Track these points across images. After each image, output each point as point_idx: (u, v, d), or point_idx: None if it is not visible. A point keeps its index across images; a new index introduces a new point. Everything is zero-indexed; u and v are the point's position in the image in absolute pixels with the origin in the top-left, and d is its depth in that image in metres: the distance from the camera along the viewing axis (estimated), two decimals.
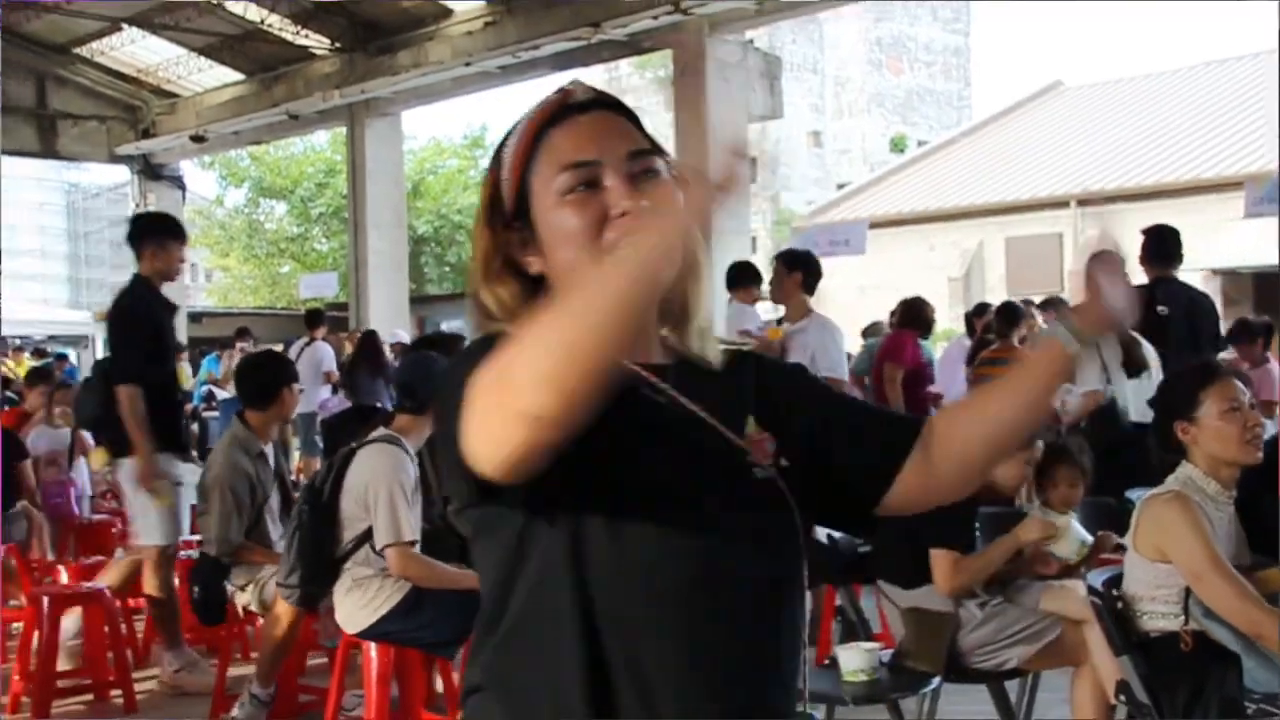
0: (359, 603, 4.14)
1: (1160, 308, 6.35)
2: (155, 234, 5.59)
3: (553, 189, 1.37)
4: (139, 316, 5.45)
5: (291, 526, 4.40)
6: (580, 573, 1.30)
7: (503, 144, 1.42)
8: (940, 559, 3.74)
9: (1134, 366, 5.90)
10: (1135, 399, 5.93)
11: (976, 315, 9.99)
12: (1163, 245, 6.39)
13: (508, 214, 1.40)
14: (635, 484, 1.31)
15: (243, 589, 4.78)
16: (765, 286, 7.03)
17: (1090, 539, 4.12)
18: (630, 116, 1.42)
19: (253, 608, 4.81)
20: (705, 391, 1.41)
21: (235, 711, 4.53)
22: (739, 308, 7.08)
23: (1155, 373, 5.73)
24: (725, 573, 1.33)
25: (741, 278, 7.20)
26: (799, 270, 6.41)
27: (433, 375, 4.31)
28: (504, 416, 1.15)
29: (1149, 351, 5.77)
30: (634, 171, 1.36)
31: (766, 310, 7.71)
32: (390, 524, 4.06)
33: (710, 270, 1.46)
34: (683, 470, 1.35)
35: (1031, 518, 3.92)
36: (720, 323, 7.33)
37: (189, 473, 5.53)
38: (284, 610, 4.45)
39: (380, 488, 4.08)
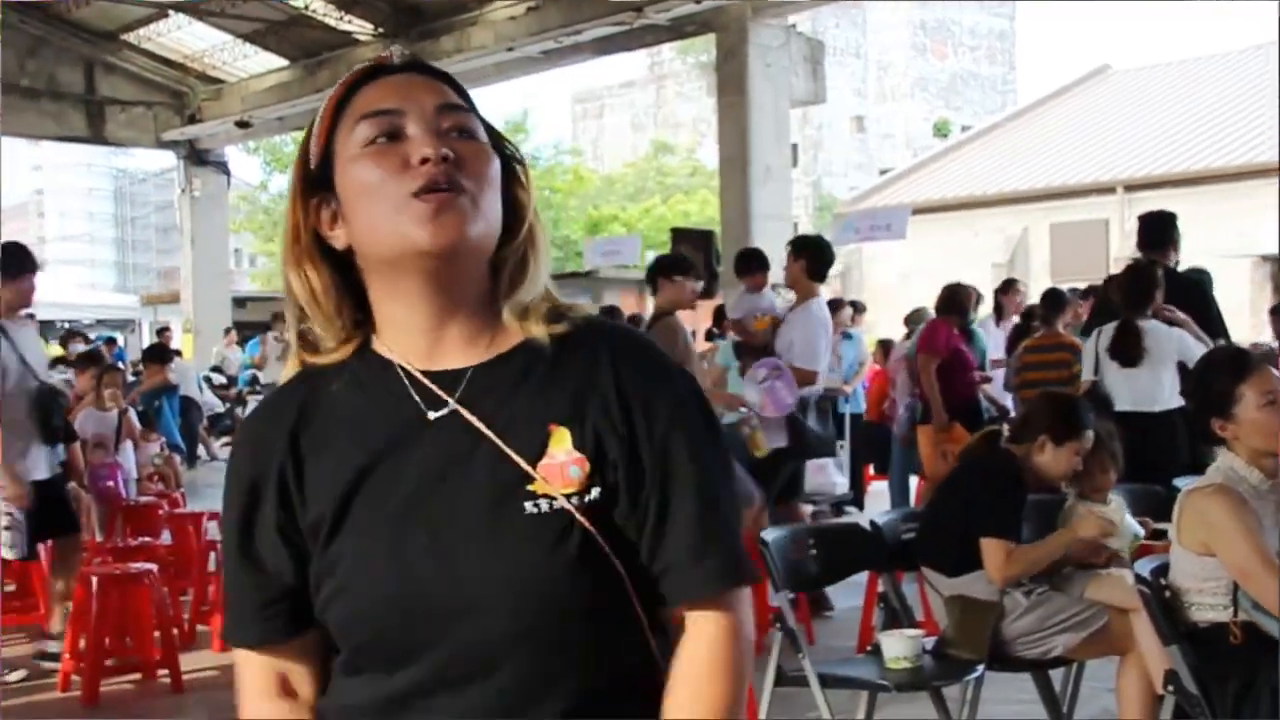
0: None
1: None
2: None
3: (352, 143, 1.23)
4: None
5: None
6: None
7: (314, 117, 1.30)
8: (993, 549, 3.72)
9: (1127, 356, 5.87)
10: (1125, 388, 5.91)
11: (1003, 292, 9.93)
12: (1153, 232, 6.35)
13: (313, 182, 1.26)
14: (351, 536, 1.22)
15: None
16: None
17: (1142, 532, 4.09)
18: (450, 82, 1.29)
19: None
20: (511, 397, 1.24)
21: None
22: (743, 294, 7.15)
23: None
24: (448, 633, 1.18)
25: (749, 264, 7.23)
26: (803, 257, 6.42)
27: None
28: None
29: (1186, 343, 5.70)
30: (442, 127, 1.23)
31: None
32: None
33: (548, 247, 1.31)
34: (401, 515, 1.21)
35: (1090, 514, 3.89)
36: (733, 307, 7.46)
37: None
38: None
39: None
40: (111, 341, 17.08)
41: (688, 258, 7.03)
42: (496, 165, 1.27)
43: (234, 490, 1.30)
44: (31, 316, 5.50)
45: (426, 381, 1.25)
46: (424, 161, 1.20)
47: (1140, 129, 23.32)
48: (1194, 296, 6.24)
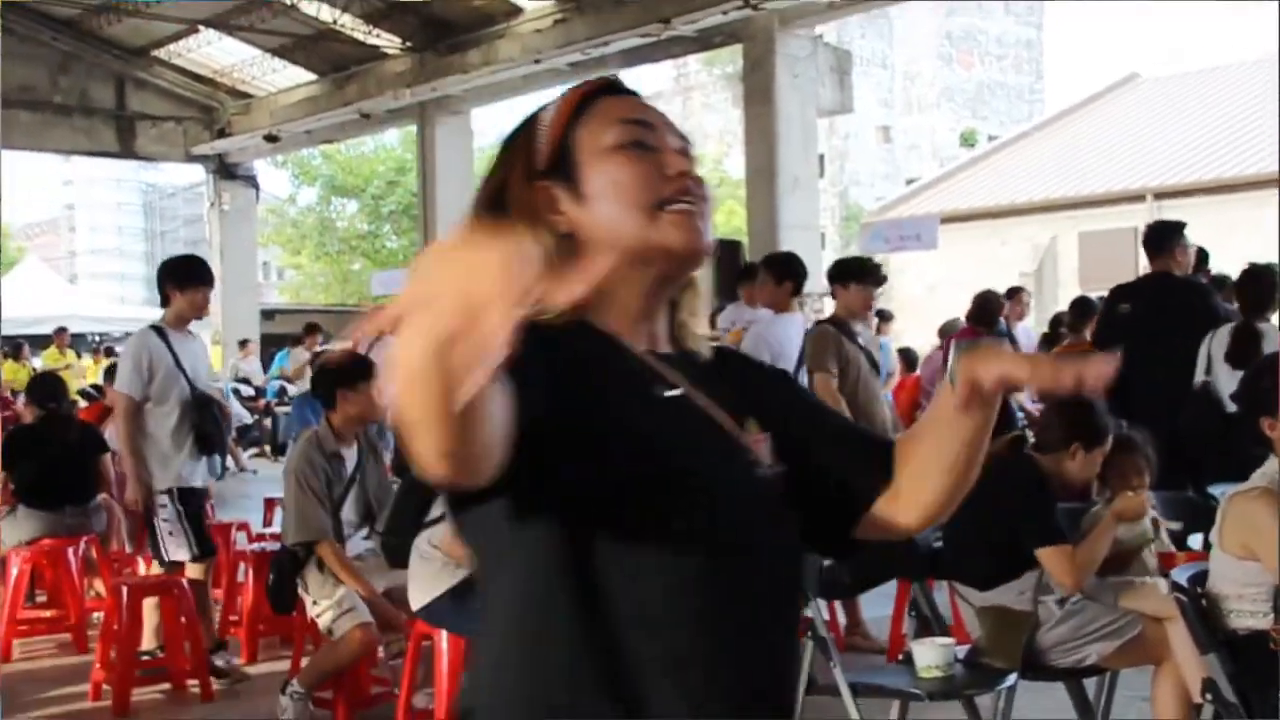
0: (422, 575, 4.20)
1: (1123, 305, 6.26)
2: None
3: (604, 140, 1.34)
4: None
5: (400, 487, 4.59)
6: (584, 574, 1.23)
7: (530, 117, 1.40)
8: (1057, 556, 3.67)
9: (1243, 359, 5.73)
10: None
11: (1008, 298, 9.93)
12: (1152, 240, 6.30)
13: (541, 168, 1.35)
14: (644, 477, 1.25)
15: (315, 603, 4.68)
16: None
17: (1151, 533, 4.03)
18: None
19: (321, 628, 4.74)
20: (709, 386, 1.37)
21: (284, 711, 4.58)
22: (735, 307, 7.30)
23: None
24: (740, 570, 1.29)
25: (744, 277, 7.51)
26: (770, 273, 6.54)
27: None
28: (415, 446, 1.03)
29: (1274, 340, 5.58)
30: (679, 146, 1.38)
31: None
32: None
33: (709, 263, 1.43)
34: (695, 464, 1.30)
35: (1122, 495, 3.85)
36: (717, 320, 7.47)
37: None
38: (357, 638, 4.48)
39: None
40: None
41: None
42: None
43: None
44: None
45: (652, 362, 1.36)
46: (679, 174, 1.34)
47: (1169, 137, 23.18)
48: (1196, 299, 6.17)
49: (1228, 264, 9.38)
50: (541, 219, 1.33)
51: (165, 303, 5.51)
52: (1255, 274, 5.98)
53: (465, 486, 1.11)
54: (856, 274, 5.95)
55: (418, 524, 4.27)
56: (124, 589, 5.27)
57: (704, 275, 1.42)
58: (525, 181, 1.35)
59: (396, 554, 4.39)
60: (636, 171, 1.33)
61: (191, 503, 5.50)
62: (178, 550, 5.43)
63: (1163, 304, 5.96)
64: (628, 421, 1.27)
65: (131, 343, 5.60)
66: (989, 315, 7.74)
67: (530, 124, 1.39)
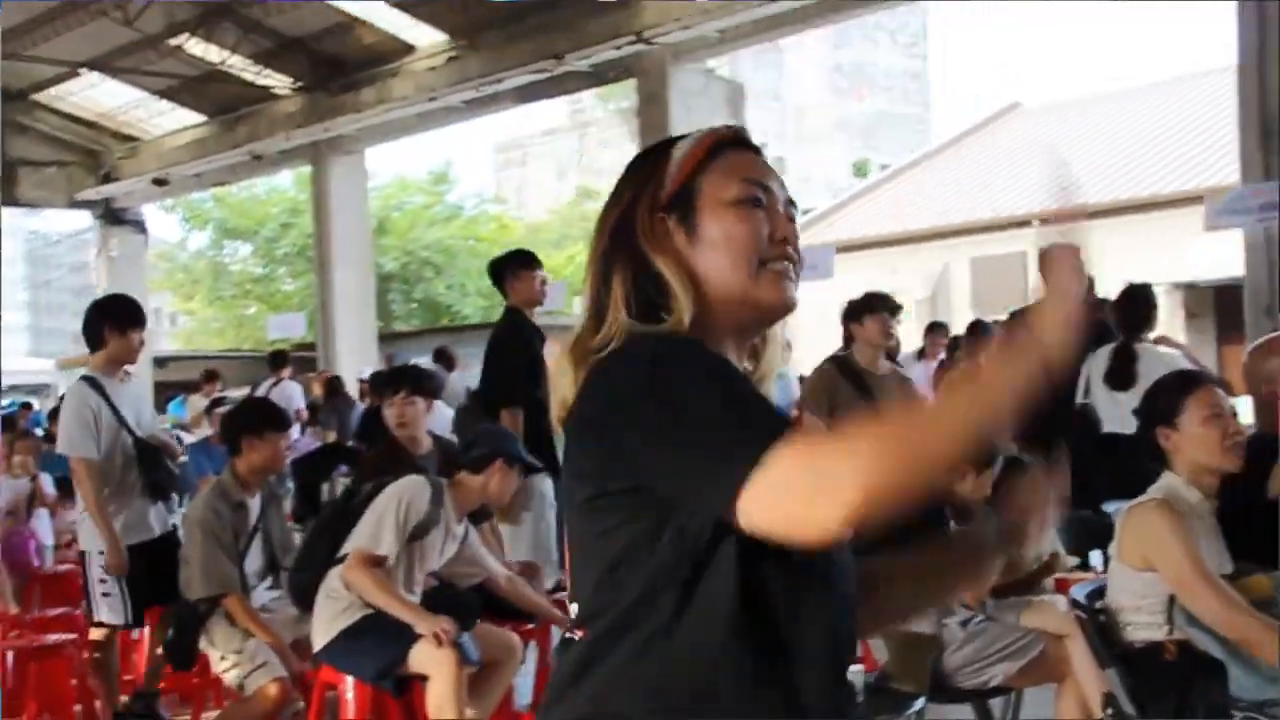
0: (325, 615, 4.15)
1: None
2: (520, 264, 6.06)
3: (727, 193, 1.48)
4: (516, 344, 5.82)
5: (313, 524, 4.56)
6: (752, 603, 1.36)
7: (657, 149, 1.55)
8: None
9: (1121, 380, 5.87)
10: (1115, 411, 5.92)
11: (930, 332, 10.31)
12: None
13: (663, 203, 1.49)
14: None
15: (223, 658, 4.55)
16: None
17: (1046, 554, 4.11)
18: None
19: (230, 684, 4.61)
20: None
21: None
22: None
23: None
24: (846, 597, 1.46)
25: None
26: None
27: (495, 442, 4.42)
28: (810, 500, 1.24)
29: (1156, 362, 5.71)
30: (787, 211, 1.53)
31: None
32: (371, 531, 4.09)
33: None
34: None
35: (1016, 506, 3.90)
36: None
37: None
38: (272, 694, 4.37)
39: (381, 501, 4.15)
40: (28, 406, 16.67)
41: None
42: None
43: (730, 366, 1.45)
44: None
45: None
46: (783, 240, 1.50)
47: (1052, 163, 23.85)
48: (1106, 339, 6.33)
49: (1111, 286, 9.65)
50: (655, 248, 1.47)
51: (98, 346, 5.20)
52: (1132, 294, 6.10)
53: (802, 542, 1.28)
54: (870, 306, 5.90)
55: (329, 561, 4.20)
56: (9, 652, 5.07)
57: (780, 330, 1.58)
58: (649, 212, 1.49)
59: (305, 593, 4.29)
60: (749, 229, 1.47)
61: (154, 552, 5.18)
62: (110, 613, 5.14)
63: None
64: None
65: (70, 402, 5.24)
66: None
67: (661, 159, 1.52)
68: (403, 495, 4.14)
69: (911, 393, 5.56)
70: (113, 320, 5.22)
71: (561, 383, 1.47)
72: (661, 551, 1.35)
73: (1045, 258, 1.41)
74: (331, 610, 4.14)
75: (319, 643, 4.17)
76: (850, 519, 1.23)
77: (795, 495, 1.24)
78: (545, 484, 5.63)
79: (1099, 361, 5.95)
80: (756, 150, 1.56)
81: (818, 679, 1.39)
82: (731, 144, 1.54)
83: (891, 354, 6.80)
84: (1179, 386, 3.15)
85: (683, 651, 1.36)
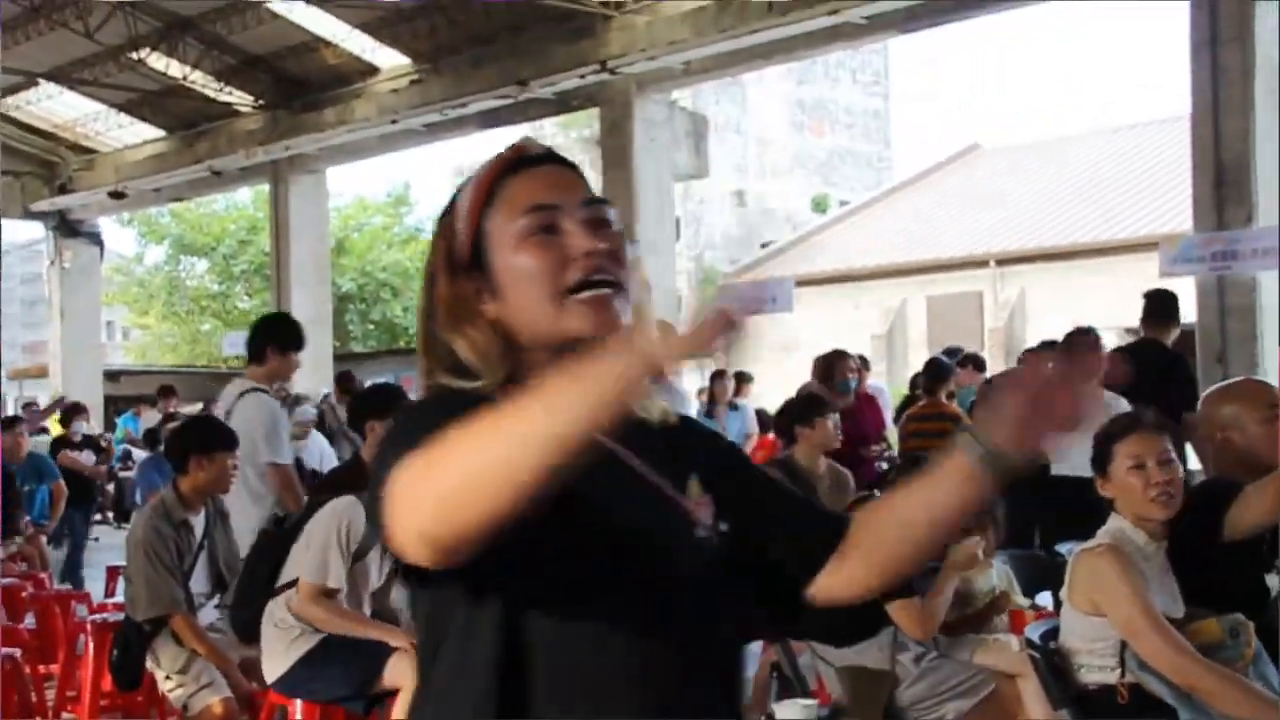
0: (276, 646, 4.08)
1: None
2: None
3: (511, 232, 1.35)
4: None
5: (248, 553, 4.46)
6: (513, 647, 1.26)
7: (456, 195, 1.41)
8: (905, 609, 3.75)
9: None
10: (1062, 451, 6.05)
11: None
12: (1158, 307, 6.61)
13: (463, 261, 1.38)
14: (578, 549, 1.27)
15: (168, 677, 4.47)
16: None
17: (996, 589, 4.13)
18: (578, 172, 1.44)
19: (176, 703, 4.51)
20: (648, 447, 1.38)
21: None
22: None
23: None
24: (674, 639, 1.31)
25: None
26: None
27: None
28: (407, 523, 1.13)
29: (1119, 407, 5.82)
30: (589, 218, 1.37)
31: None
32: (317, 564, 4.02)
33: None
34: (628, 531, 1.31)
35: (957, 545, 3.94)
36: None
37: None
38: (218, 714, 4.29)
39: (317, 530, 4.05)
40: None
41: None
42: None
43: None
44: None
45: None
46: (585, 255, 1.34)
47: (1010, 205, 24.13)
48: (1178, 371, 6.47)
49: (1062, 327, 9.76)
50: (470, 312, 1.37)
51: (260, 360, 5.32)
52: (1070, 340, 6.26)
53: (435, 562, 1.15)
54: (818, 409, 5.61)
55: (268, 592, 4.14)
56: None
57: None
58: (448, 279, 1.38)
59: (248, 628, 4.23)
60: (540, 263, 1.33)
61: None
62: None
63: (1147, 370, 6.16)
64: (566, 491, 1.26)
65: (263, 411, 5.22)
66: (831, 375, 7.69)
67: (450, 212, 1.40)
68: (340, 519, 4.05)
69: (849, 490, 5.56)
70: (278, 340, 5.38)
71: None
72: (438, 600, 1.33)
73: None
74: (283, 641, 4.06)
75: (274, 674, 4.08)
76: (412, 542, 1.12)
77: (402, 510, 1.14)
78: None
79: None
80: (552, 160, 1.41)
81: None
82: (515, 168, 1.39)
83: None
84: (1107, 435, 3.17)
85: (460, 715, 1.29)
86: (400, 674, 3.91)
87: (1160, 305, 6.73)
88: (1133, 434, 3.12)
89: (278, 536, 4.33)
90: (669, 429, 1.45)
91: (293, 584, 4.09)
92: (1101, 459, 3.14)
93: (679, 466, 1.41)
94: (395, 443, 1.23)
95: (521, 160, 1.40)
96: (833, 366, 7.38)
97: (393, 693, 3.96)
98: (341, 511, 4.08)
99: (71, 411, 11.81)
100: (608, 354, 1.13)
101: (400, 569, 1.26)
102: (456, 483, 1.09)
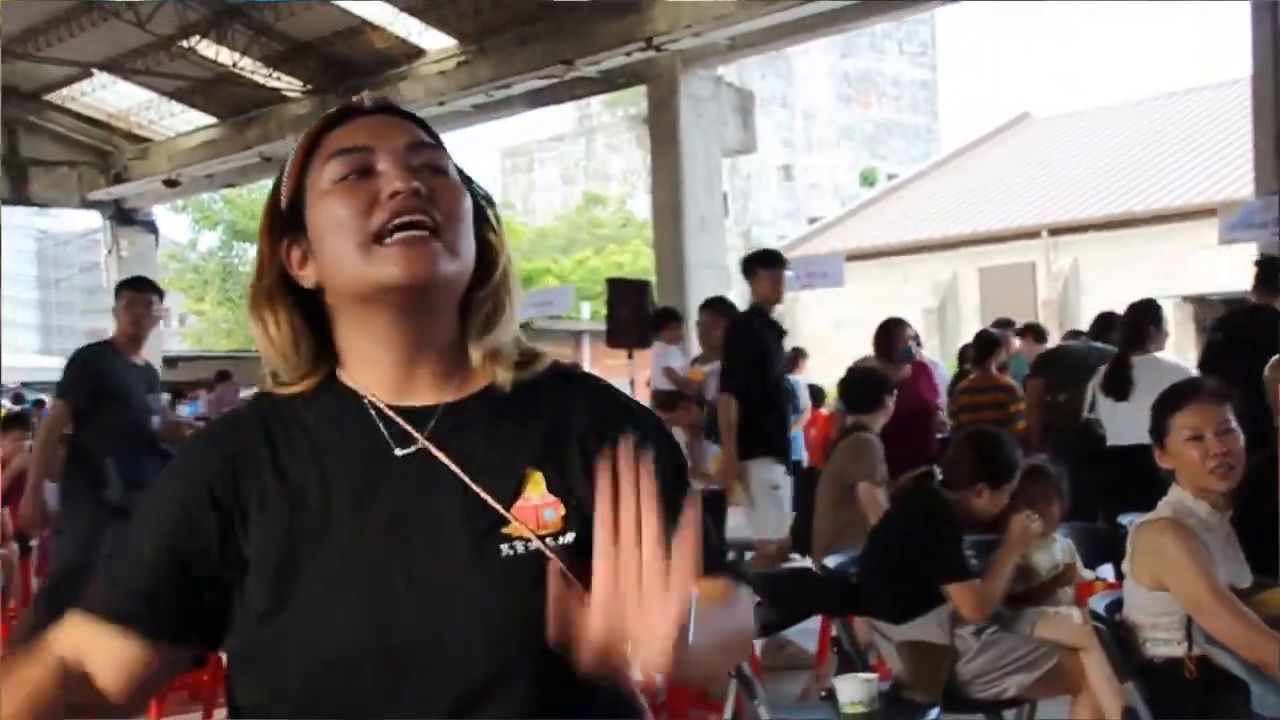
0: None
1: (1217, 334, 6.59)
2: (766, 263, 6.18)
3: (322, 180, 1.23)
4: (748, 338, 6.07)
5: None
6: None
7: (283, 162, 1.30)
8: (963, 591, 3.72)
9: (1116, 390, 6.03)
10: (1114, 422, 6.05)
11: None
12: (1269, 273, 6.56)
13: (284, 222, 1.26)
14: (305, 582, 1.17)
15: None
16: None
17: (1060, 563, 4.09)
18: (421, 124, 1.29)
19: None
20: (483, 438, 1.22)
21: None
22: (663, 347, 7.44)
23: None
24: (412, 668, 1.14)
25: (666, 320, 7.74)
26: (722, 314, 6.87)
27: None
28: None
29: (1154, 373, 5.78)
30: (413, 163, 1.22)
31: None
32: None
33: (520, 292, 1.31)
34: (369, 559, 1.17)
35: (1013, 520, 3.91)
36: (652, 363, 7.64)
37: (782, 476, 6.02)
38: None
39: None
40: (40, 404, 16.66)
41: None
42: (468, 202, 1.26)
43: (177, 482, 1.25)
44: None
45: (395, 416, 1.23)
46: (393, 195, 1.19)
47: (1061, 175, 23.83)
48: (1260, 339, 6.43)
49: (1121, 298, 9.63)
50: (278, 284, 1.24)
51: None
52: (1135, 308, 6.37)
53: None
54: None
55: None
56: None
57: (512, 302, 1.28)
58: (269, 241, 1.26)
59: None
60: (347, 206, 1.20)
61: None
62: None
63: (1255, 339, 6.14)
64: (315, 506, 1.19)
65: None
66: (890, 343, 7.33)
67: (277, 177, 1.28)
68: None
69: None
70: None
71: None
72: None
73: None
74: None
75: None
76: None
77: None
78: (765, 469, 5.92)
79: (1100, 375, 6.14)
80: (381, 109, 1.27)
81: None
82: (340, 120, 1.27)
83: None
84: (1164, 406, 3.12)
85: None
86: None
87: (1271, 272, 6.67)
88: (1190, 404, 3.07)
89: None
90: (538, 406, 1.26)
91: None
92: (1159, 430, 3.09)
93: (522, 458, 1.22)
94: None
95: (350, 111, 1.27)
96: (892, 334, 7.21)
97: None
98: None
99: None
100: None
101: None
102: None
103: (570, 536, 1.19)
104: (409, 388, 1.25)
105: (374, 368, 1.25)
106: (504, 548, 1.18)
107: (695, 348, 8.18)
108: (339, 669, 1.15)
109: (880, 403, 5.59)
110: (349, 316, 1.24)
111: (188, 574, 1.20)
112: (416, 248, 1.18)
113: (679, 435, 6.66)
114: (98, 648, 1.21)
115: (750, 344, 6.07)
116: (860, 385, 5.80)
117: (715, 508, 6.61)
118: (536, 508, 1.20)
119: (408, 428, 1.22)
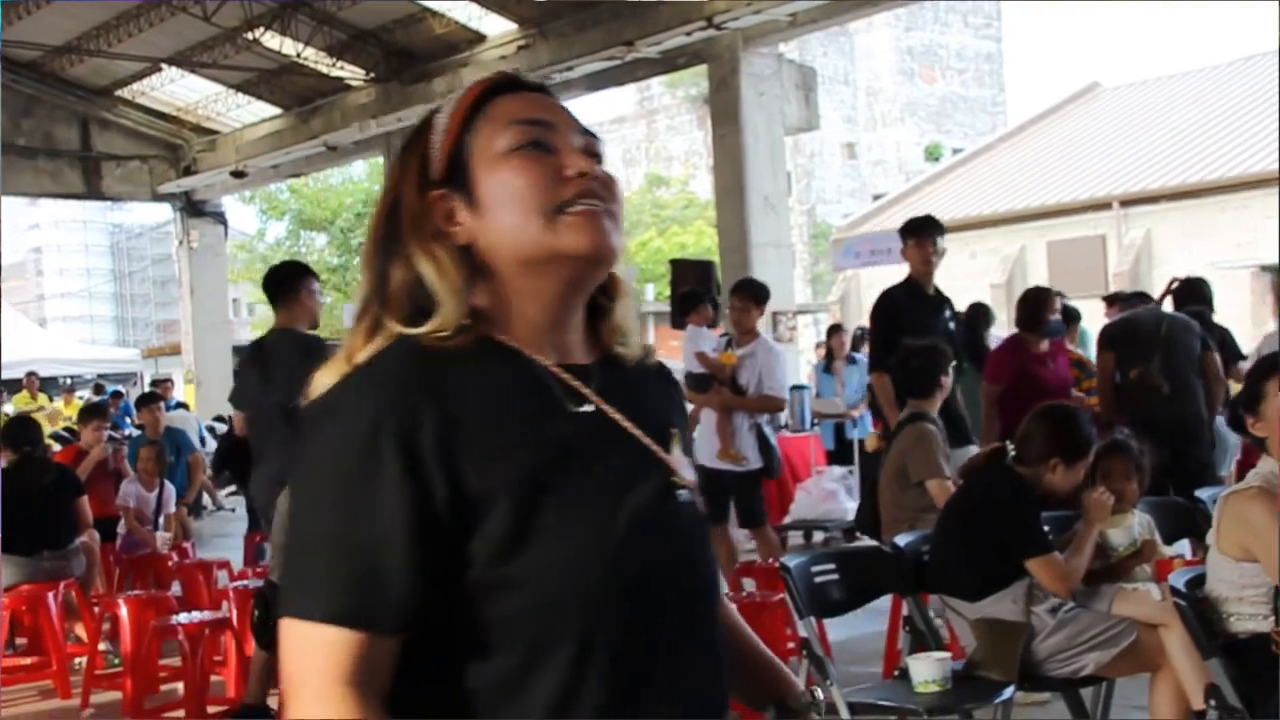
0: None
1: None
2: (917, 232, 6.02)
3: (498, 145, 1.27)
4: (886, 314, 5.96)
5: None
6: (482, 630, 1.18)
7: (431, 114, 1.33)
8: (1046, 566, 3.67)
9: None
10: None
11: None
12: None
13: (436, 176, 1.28)
14: (549, 520, 1.18)
15: None
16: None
17: (1138, 539, 4.02)
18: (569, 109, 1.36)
19: None
20: (631, 398, 1.30)
21: None
22: (695, 330, 7.44)
23: None
24: (657, 601, 1.22)
25: (695, 302, 7.65)
26: (749, 296, 6.88)
27: None
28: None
29: None
30: (584, 145, 1.29)
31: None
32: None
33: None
34: (605, 498, 1.22)
35: (1087, 496, 3.85)
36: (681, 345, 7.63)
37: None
38: None
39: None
40: (118, 395, 17.01)
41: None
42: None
43: (372, 443, 1.16)
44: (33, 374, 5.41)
45: (563, 374, 1.27)
46: (580, 175, 1.26)
47: (1132, 145, 23.39)
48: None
49: (1196, 268, 9.44)
50: (437, 232, 1.26)
51: None
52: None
53: None
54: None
55: None
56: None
57: (626, 277, 1.36)
58: (418, 193, 1.28)
59: None
60: (533, 175, 1.25)
61: None
62: None
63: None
64: (534, 455, 1.19)
65: None
66: (1038, 317, 6.47)
67: (424, 130, 1.31)
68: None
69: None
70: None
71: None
72: None
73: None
74: None
75: None
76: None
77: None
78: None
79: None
80: (539, 89, 1.34)
81: None
82: (502, 89, 1.31)
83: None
84: (1261, 371, 3.06)
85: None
86: None
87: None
88: None
89: None
90: (651, 378, 1.38)
91: None
92: (1254, 397, 3.04)
93: (662, 419, 1.33)
94: (301, 491, 1.23)
95: (510, 83, 1.33)
96: (1039, 305, 6.41)
97: None
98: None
99: None
100: None
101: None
102: None
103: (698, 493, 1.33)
104: (561, 350, 1.30)
105: (530, 329, 1.28)
106: (680, 494, 1.29)
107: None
108: (587, 607, 1.18)
109: (937, 384, 5.25)
110: (510, 278, 1.27)
111: (432, 546, 1.16)
112: (598, 222, 1.26)
113: (710, 417, 6.70)
114: (387, 667, 1.18)
115: (887, 320, 5.87)
116: (914, 368, 5.35)
117: (750, 485, 6.70)
118: (682, 463, 1.31)
119: (578, 385, 1.27)
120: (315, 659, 1.15)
